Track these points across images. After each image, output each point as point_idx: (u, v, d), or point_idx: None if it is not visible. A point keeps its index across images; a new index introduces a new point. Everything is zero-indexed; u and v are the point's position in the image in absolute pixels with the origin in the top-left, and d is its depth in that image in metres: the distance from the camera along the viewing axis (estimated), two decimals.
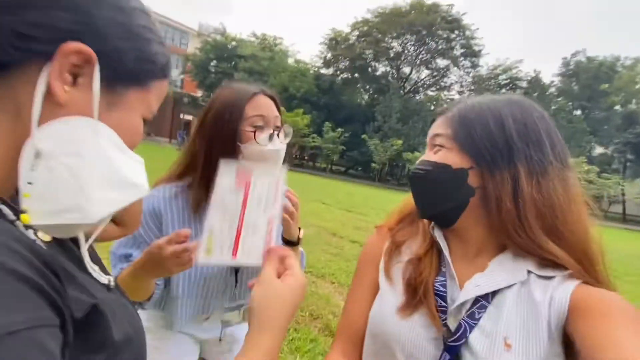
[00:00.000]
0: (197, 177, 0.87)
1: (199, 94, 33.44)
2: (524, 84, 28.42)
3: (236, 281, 0.96)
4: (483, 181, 0.57)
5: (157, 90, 0.42)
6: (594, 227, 0.56)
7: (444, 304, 0.58)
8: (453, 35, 27.02)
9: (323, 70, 30.03)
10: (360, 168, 29.66)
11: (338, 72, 29.97)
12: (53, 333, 0.30)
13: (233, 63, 28.97)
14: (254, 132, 0.84)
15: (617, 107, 28.50)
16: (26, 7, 0.31)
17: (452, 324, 0.56)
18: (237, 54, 28.83)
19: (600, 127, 28.64)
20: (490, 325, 0.54)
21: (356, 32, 28.17)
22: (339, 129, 25.06)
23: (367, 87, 30.93)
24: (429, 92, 30.44)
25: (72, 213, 0.32)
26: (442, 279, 0.61)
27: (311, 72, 29.53)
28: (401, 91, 28.58)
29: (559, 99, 29.74)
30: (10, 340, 0.25)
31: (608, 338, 0.44)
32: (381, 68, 30.13)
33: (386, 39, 27.58)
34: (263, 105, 0.87)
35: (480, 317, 0.55)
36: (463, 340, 0.54)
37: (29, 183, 0.31)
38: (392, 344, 0.60)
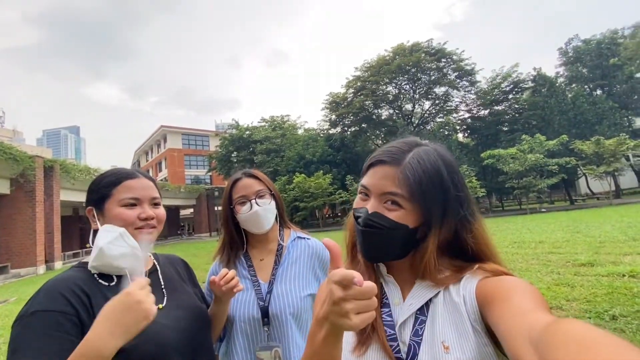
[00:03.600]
0: (227, 249, 1.25)
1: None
2: (530, 84, 28.24)
3: (267, 327, 1.11)
4: (424, 235, 0.64)
5: (119, 191, 0.89)
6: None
7: (392, 332, 0.64)
8: (441, 64, 28.24)
9: (332, 131, 31.74)
10: None
11: (346, 129, 31.51)
12: (70, 319, 0.71)
13: (251, 149, 31.51)
14: (238, 207, 1.19)
15: (639, 75, 27.15)
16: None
17: (404, 348, 0.62)
18: (253, 140, 31.51)
19: (628, 99, 27.06)
20: (430, 335, 0.60)
21: (352, 90, 30.24)
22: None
23: (377, 132, 31.98)
24: (438, 120, 30.81)
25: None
26: (387, 309, 0.67)
27: (321, 135, 31.32)
28: (410, 127, 29.23)
29: (572, 86, 28.98)
30: (32, 316, 0.69)
31: (513, 313, 0.48)
32: (384, 112, 31.43)
33: (380, 87, 29.26)
34: (242, 187, 1.20)
35: (422, 332, 0.61)
36: (415, 359, 0.59)
37: None
38: None
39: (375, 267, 0.71)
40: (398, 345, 0.62)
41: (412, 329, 0.62)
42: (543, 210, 21.14)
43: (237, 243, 1.23)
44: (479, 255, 0.65)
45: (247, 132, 32.36)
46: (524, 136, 22.89)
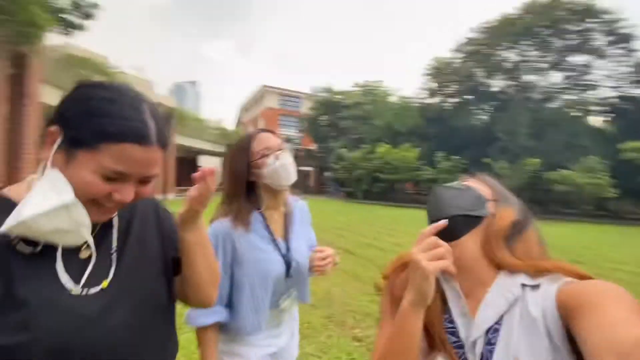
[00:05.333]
0: (239, 205, 1.14)
1: (314, 147, 37.08)
2: None
3: (288, 279, 1.18)
4: (495, 212, 0.66)
5: (109, 152, 0.56)
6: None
7: (456, 339, 0.62)
8: (587, 26, 22.25)
9: (429, 101, 29.00)
10: None
11: (446, 99, 28.37)
12: None
13: (339, 114, 31.32)
14: (264, 159, 1.14)
15: None
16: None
17: (472, 357, 0.59)
18: (343, 104, 31.17)
19: None
20: (503, 348, 0.56)
21: (461, 55, 26.59)
22: (455, 157, 23.02)
23: (485, 106, 27.91)
24: (568, 96, 25.00)
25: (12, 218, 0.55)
26: (447, 315, 0.65)
27: (416, 104, 28.95)
28: (529, 102, 24.54)
29: None
30: None
31: (601, 325, 0.44)
32: (497, 83, 26.94)
33: (497, 51, 24.90)
34: (264, 139, 1.17)
35: (495, 342, 0.57)
36: None
37: None
38: None
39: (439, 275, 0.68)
40: (465, 353, 0.61)
41: (485, 340, 0.60)
42: None
43: (253, 201, 1.18)
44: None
45: (339, 96, 32.06)
46: None
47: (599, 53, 22.73)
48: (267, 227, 1.17)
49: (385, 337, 0.62)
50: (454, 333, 0.62)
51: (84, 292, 0.60)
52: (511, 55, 25.24)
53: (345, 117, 29.67)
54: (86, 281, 0.61)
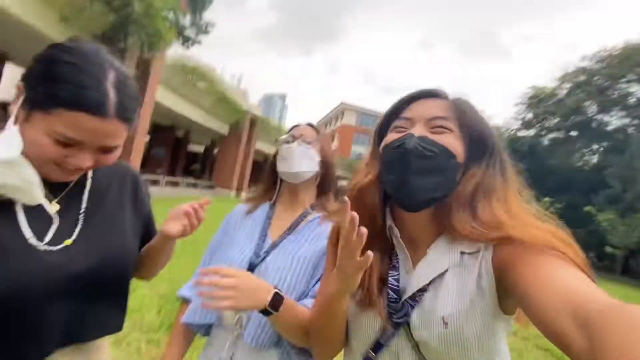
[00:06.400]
0: (257, 191, 1.15)
1: None
2: None
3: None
4: (461, 176, 0.59)
5: (61, 118, 0.55)
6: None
7: (395, 296, 0.60)
8: None
9: (522, 133, 26.07)
10: (591, 254, 21.76)
11: (543, 133, 25.13)
12: None
13: None
14: (281, 144, 1.07)
15: None
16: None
17: (400, 313, 0.60)
18: None
19: None
20: (429, 305, 0.57)
21: (567, 85, 23.42)
22: (547, 199, 20.03)
23: (594, 146, 23.91)
24: None
25: None
26: (396, 273, 0.62)
27: (505, 135, 26.25)
28: None
29: None
30: None
31: (547, 285, 0.42)
32: (614, 121, 22.90)
33: (617, 84, 21.25)
34: (298, 129, 1.09)
35: (420, 299, 0.58)
36: (404, 319, 0.58)
37: None
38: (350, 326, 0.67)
39: (387, 227, 0.66)
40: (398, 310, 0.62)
41: (411, 298, 0.60)
42: None
43: (271, 191, 1.11)
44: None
45: None
46: None
47: None
48: (267, 219, 1.03)
49: (313, 312, 0.67)
50: (396, 292, 0.61)
51: (47, 248, 0.61)
52: (637, 90, 21.26)
53: None
54: (52, 238, 0.62)
